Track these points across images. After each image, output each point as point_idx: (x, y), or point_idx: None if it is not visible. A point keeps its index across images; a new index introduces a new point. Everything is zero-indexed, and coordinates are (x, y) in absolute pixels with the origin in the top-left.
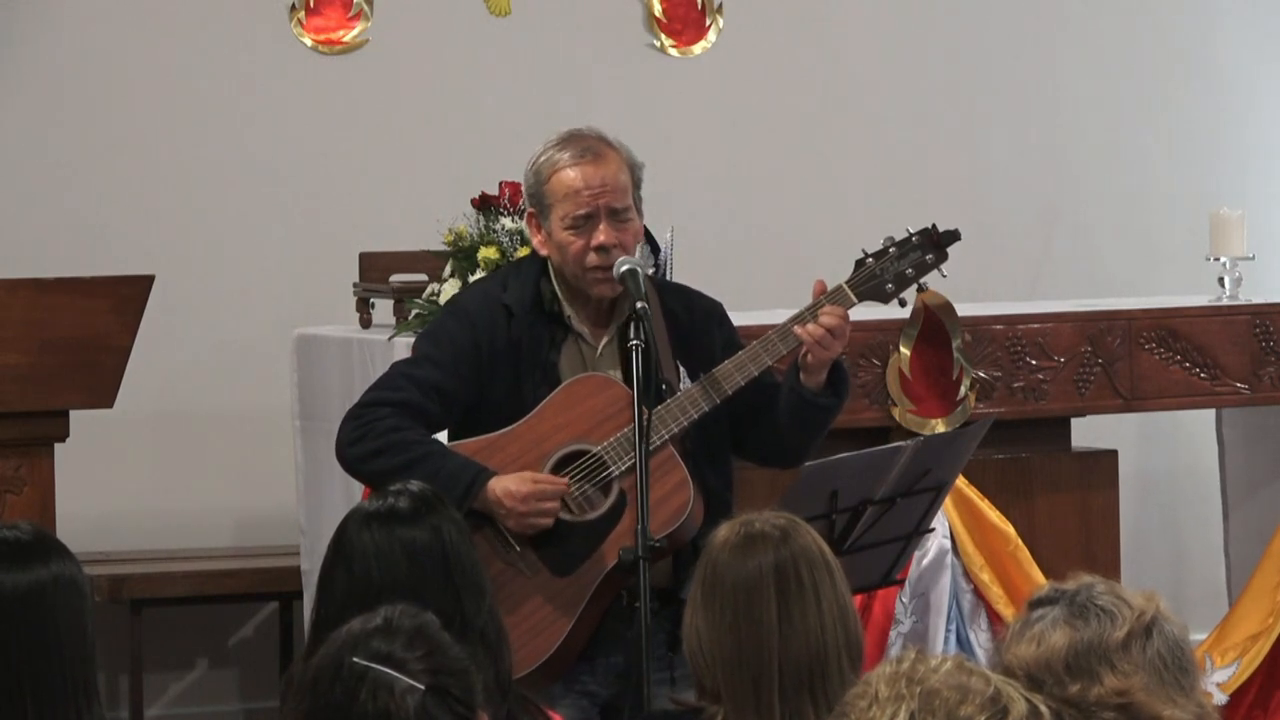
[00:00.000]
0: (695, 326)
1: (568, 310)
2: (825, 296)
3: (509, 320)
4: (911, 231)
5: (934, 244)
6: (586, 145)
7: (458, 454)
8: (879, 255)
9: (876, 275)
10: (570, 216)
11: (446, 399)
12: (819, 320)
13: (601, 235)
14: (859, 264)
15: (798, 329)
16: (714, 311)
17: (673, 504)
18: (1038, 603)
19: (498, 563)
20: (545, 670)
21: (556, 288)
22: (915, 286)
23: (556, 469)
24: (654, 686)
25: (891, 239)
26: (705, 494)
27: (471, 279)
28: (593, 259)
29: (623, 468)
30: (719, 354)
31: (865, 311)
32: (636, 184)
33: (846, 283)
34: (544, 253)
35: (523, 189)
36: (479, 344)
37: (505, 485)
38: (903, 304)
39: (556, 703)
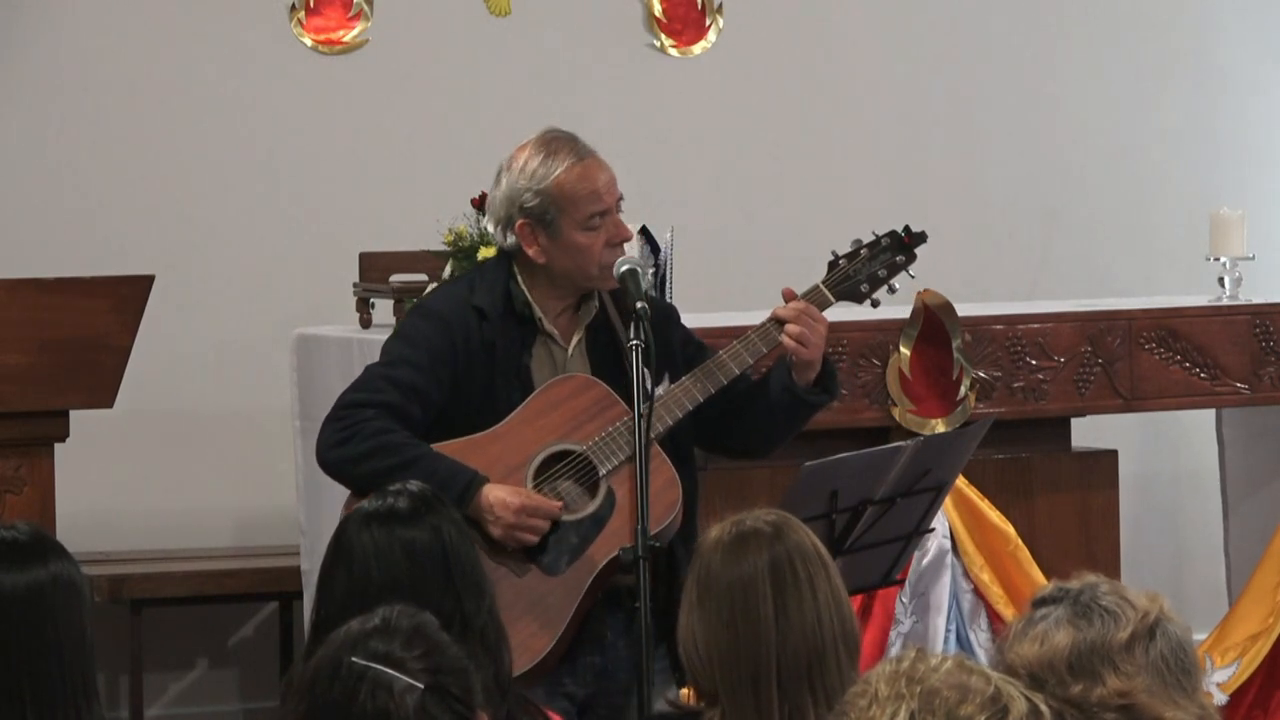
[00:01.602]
0: (655, 330)
1: (538, 313)
2: (802, 295)
3: (481, 322)
4: (878, 234)
5: (904, 245)
6: (575, 146)
7: (448, 457)
8: (850, 256)
9: (850, 276)
10: (591, 216)
11: (425, 401)
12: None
13: (622, 230)
14: (831, 265)
15: (781, 336)
16: (670, 314)
17: (663, 502)
18: (1041, 601)
19: (488, 561)
20: (536, 671)
21: (526, 291)
22: (886, 287)
23: (541, 469)
24: (631, 681)
25: (860, 241)
26: None
27: None
28: (613, 255)
29: (609, 467)
30: (679, 353)
31: (865, 312)
32: None
33: (822, 282)
34: (541, 261)
35: (506, 203)
36: (454, 346)
37: (499, 495)
38: (875, 304)
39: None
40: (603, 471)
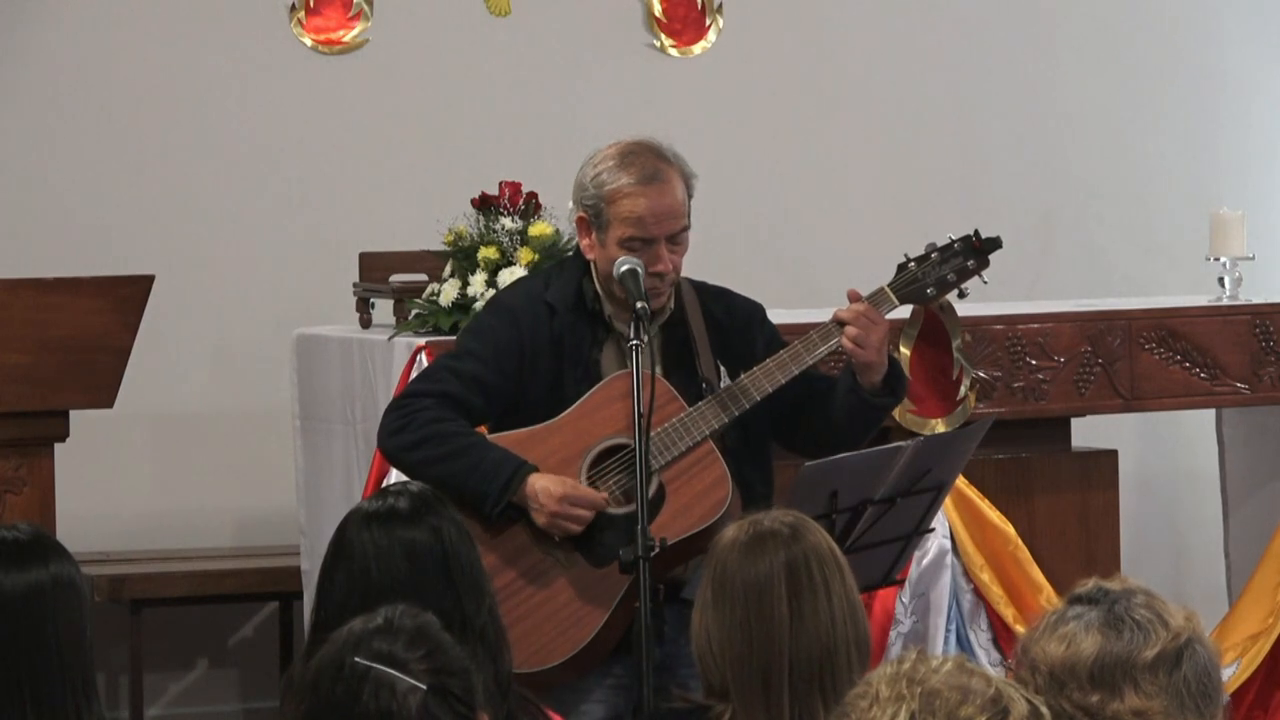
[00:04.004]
0: (735, 328)
1: (608, 310)
2: (866, 297)
3: (551, 317)
4: (953, 238)
5: (976, 250)
6: (651, 168)
7: (498, 446)
8: (920, 260)
9: (918, 279)
10: (631, 239)
11: (488, 393)
12: (845, 318)
13: (660, 263)
14: (901, 267)
15: (841, 337)
16: (754, 313)
17: (711, 499)
18: (1077, 599)
19: (536, 553)
20: (578, 662)
21: (598, 288)
22: (956, 292)
23: (597, 462)
24: (691, 681)
25: (934, 244)
26: (744, 490)
27: (472, 279)
28: (648, 281)
29: (663, 461)
30: (760, 354)
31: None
32: (690, 196)
33: (888, 285)
34: (590, 256)
35: (575, 192)
36: (521, 340)
37: (544, 484)
38: (941, 308)
39: (589, 697)
40: (656, 465)
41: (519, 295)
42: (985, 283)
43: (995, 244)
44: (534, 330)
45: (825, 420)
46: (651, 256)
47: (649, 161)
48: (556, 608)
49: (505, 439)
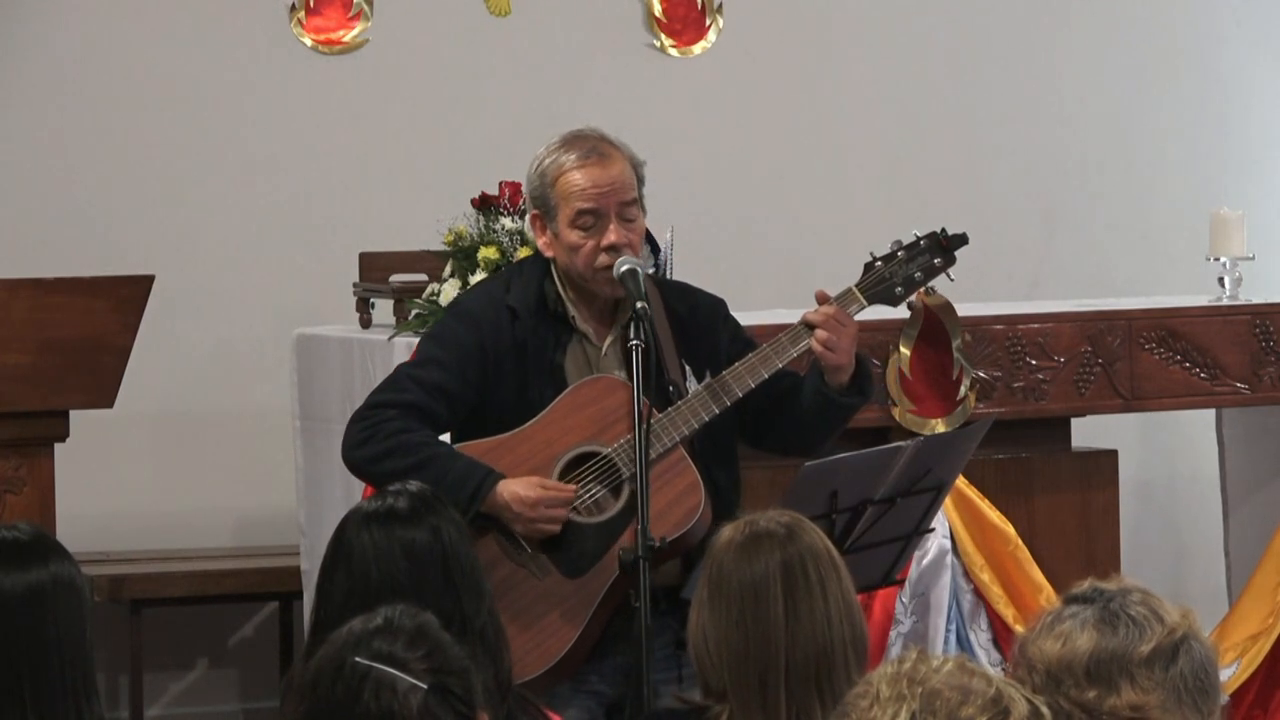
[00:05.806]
0: (699, 325)
1: (571, 311)
2: (834, 299)
3: (513, 321)
4: (919, 235)
5: (942, 248)
6: (591, 146)
7: (466, 455)
8: (887, 259)
9: (885, 279)
10: (579, 217)
11: (452, 401)
12: (815, 321)
13: (612, 235)
14: (867, 267)
15: (810, 340)
16: (717, 308)
17: (684, 506)
18: (1073, 599)
19: (508, 564)
20: (555, 672)
21: (560, 288)
22: (923, 290)
23: (566, 471)
24: (662, 685)
25: (899, 242)
26: (714, 493)
27: (472, 279)
28: (603, 259)
29: (634, 469)
30: (724, 351)
31: (868, 311)
32: (640, 181)
33: (855, 286)
34: (549, 254)
35: (525, 191)
36: (484, 346)
37: (514, 489)
38: (929, 293)
39: (565, 704)
40: (627, 474)
41: (480, 300)
42: (952, 280)
43: (962, 240)
44: (496, 335)
45: (793, 420)
46: (607, 231)
47: (590, 141)
48: (531, 620)
49: (471, 449)
